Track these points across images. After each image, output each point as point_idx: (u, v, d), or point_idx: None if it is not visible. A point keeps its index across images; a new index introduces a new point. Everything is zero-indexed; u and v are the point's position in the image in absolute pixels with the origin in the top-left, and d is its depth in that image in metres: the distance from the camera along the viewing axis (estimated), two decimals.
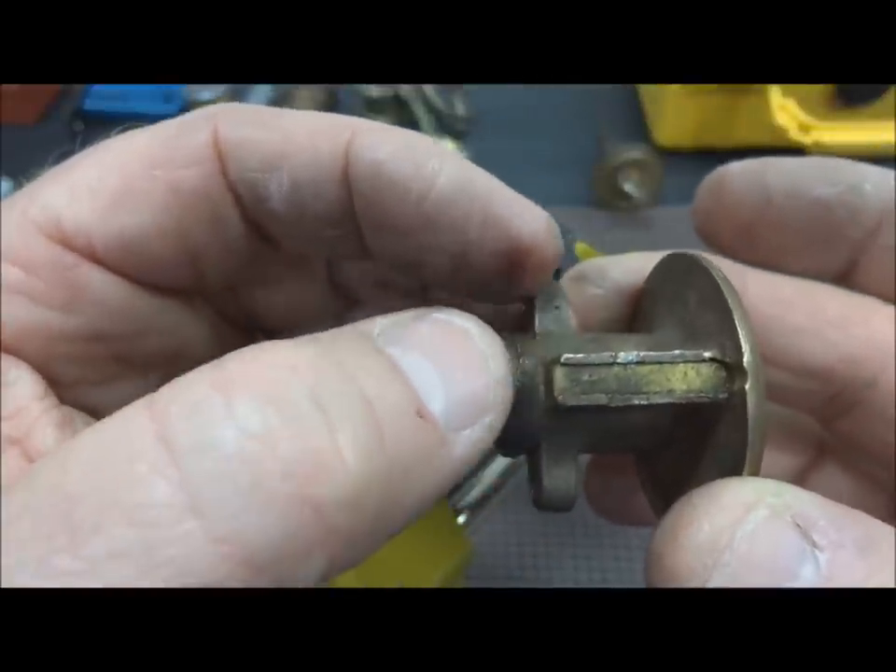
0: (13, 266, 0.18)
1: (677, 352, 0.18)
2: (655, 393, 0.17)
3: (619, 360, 0.18)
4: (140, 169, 0.18)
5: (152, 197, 0.18)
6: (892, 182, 0.20)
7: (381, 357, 0.14)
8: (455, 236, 0.17)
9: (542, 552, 0.52)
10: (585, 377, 0.18)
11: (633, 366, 0.18)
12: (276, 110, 0.18)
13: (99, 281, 0.18)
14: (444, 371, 0.14)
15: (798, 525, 0.14)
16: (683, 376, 0.18)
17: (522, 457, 0.43)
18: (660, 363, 0.18)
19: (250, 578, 0.11)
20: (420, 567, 0.32)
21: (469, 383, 0.15)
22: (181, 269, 0.19)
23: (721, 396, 0.17)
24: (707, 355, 0.18)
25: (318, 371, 0.13)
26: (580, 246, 0.43)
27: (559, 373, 0.18)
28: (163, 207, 0.18)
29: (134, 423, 0.12)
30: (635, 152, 0.76)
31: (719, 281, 0.18)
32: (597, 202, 0.79)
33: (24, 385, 0.18)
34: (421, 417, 0.14)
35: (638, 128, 0.88)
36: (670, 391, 0.18)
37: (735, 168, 0.22)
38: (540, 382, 0.18)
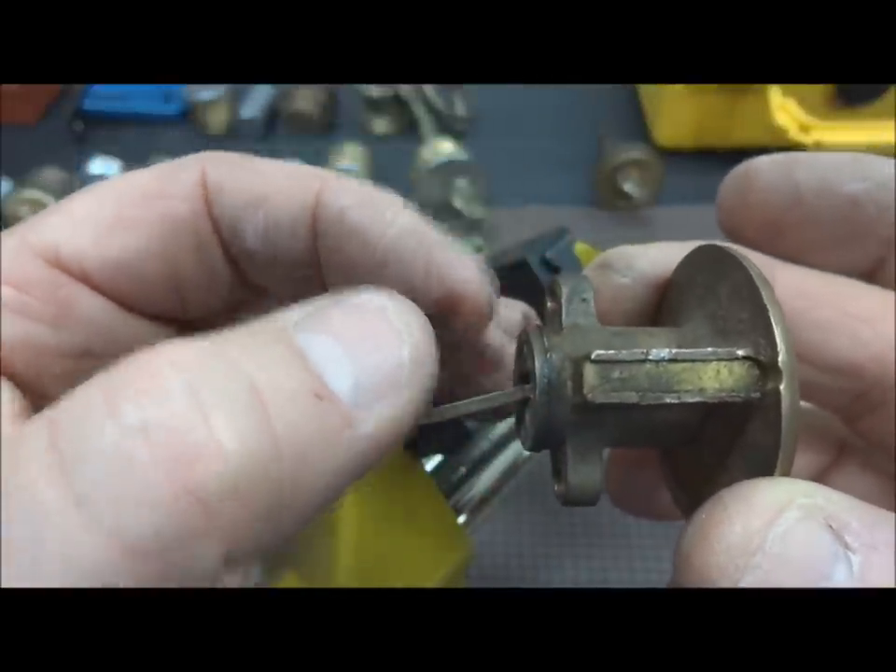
0: (6, 285, 0.19)
1: (709, 350, 0.17)
2: (686, 392, 0.17)
3: (651, 357, 0.17)
4: (134, 200, 0.20)
5: (144, 225, 0.19)
6: None
7: (281, 346, 0.14)
8: (402, 281, 0.18)
9: (542, 552, 0.52)
10: (616, 374, 0.17)
11: (664, 363, 0.17)
12: (256, 158, 0.21)
13: (89, 301, 0.19)
14: (352, 350, 0.15)
15: (830, 527, 0.14)
16: (716, 374, 0.17)
17: (522, 458, 0.43)
18: (692, 361, 0.17)
19: (139, 567, 0.12)
20: (420, 567, 0.32)
21: (378, 360, 0.15)
22: (167, 295, 0.20)
23: (753, 395, 0.17)
24: (740, 353, 0.17)
25: (199, 363, 0.13)
26: (580, 246, 0.43)
27: (589, 370, 0.17)
28: (153, 235, 0.19)
29: (33, 430, 0.13)
30: (635, 152, 0.76)
31: (753, 275, 0.17)
32: (597, 202, 0.79)
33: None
34: (320, 398, 0.14)
35: (638, 128, 0.88)
36: (702, 390, 0.17)
37: (763, 163, 0.22)
38: (568, 377, 0.18)
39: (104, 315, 0.20)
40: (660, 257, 0.22)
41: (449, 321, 0.19)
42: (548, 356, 0.18)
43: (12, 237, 0.19)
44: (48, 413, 0.13)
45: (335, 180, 0.20)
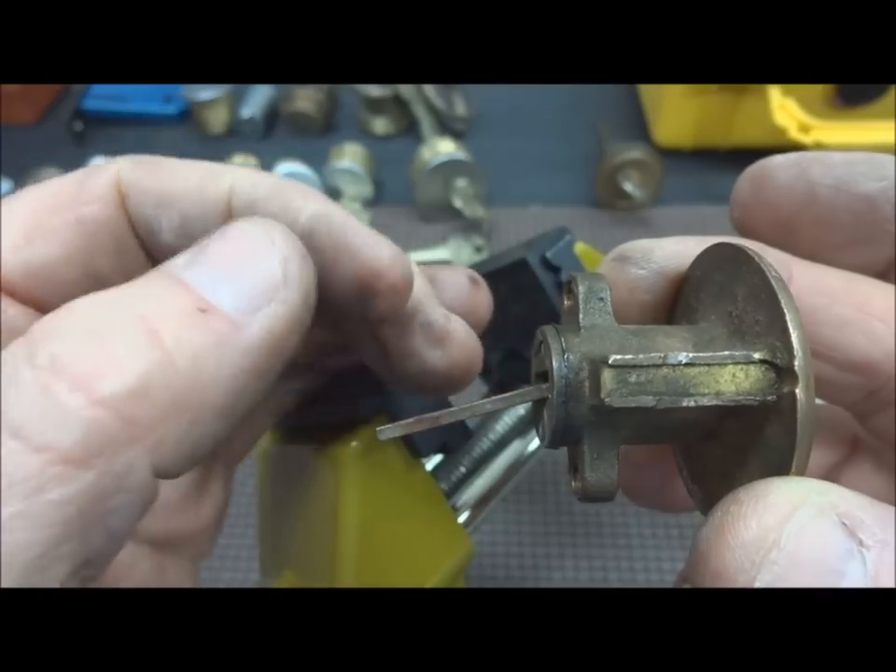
0: None
1: (726, 353, 0.17)
2: (703, 395, 0.17)
3: (668, 361, 0.17)
4: (50, 207, 0.20)
5: (61, 231, 0.20)
6: None
7: (165, 280, 0.16)
8: (318, 265, 0.19)
9: (542, 552, 0.52)
10: (633, 378, 0.17)
11: (681, 367, 0.17)
12: (170, 159, 0.21)
13: (12, 311, 0.20)
14: (228, 269, 0.17)
15: (844, 524, 0.14)
16: (732, 377, 0.17)
17: (522, 458, 0.43)
18: (708, 365, 0.17)
19: (74, 475, 0.13)
20: (420, 567, 0.32)
21: (252, 271, 0.17)
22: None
23: (769, 398, 0.17)
24: (756, 356, 0.17)
25: (92, 308, 0.16)
26: (580, 246, 0.43)
27: (606, 375, 0.17)
28: (72, 240, 0.20)
29: None
30: (635, 152, 0.76)
31: (771, 278, 0.17)
32: (597, 202, 0.79)
33: None
34: (203, 311, 0.16)
35: (638, 128, 0.88)
36: (718, 393, 0.17)
37: (778, 161, 0.22)
38: (585, 379, 0.18)
39: (25, 322, 0.20)
40: (677, 250, 0.22)
41: (371, 300, 0.21)
42: (565, 356, 0.18)
43: None
44: None
45: (246, 174, 0.21)
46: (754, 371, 0.17)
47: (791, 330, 0.17)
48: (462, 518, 0.40)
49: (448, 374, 0.24)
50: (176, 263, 0.17)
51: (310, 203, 0.20)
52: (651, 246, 0.22)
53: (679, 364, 0.17)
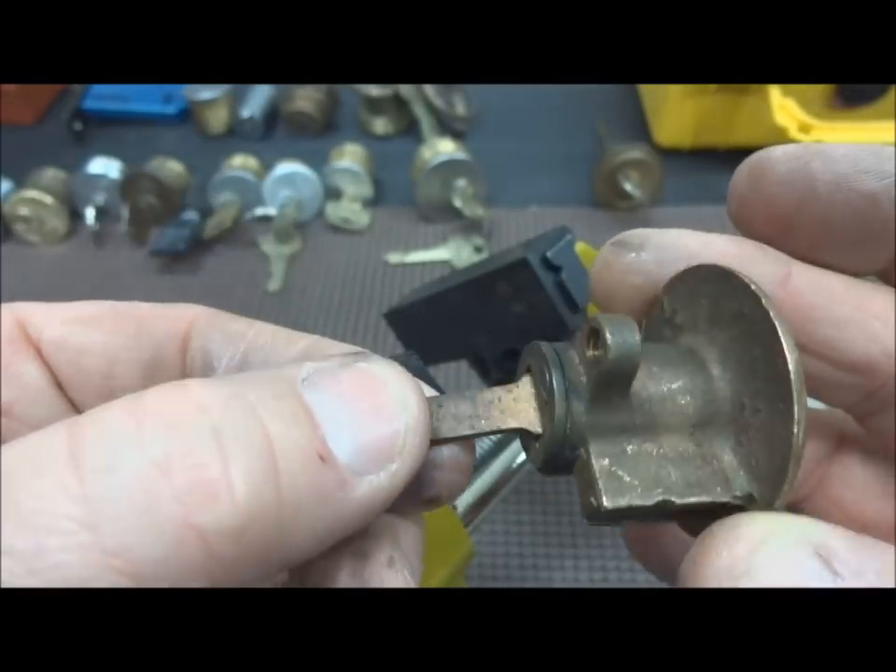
0: None
1: (723, 499, 0.18)
2: (692, 500, 0.18)
3: (664, 502, 0.17)
4: (12, 336, 0.19)
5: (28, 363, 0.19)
6: None
7: (293, 401, 0.15)
8: None
9: (542, 552, 0.52)
10: (624, 503, 0.17)
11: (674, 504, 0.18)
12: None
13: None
14: (356, 416, 0.15)
15: (819, 555, 0.14)
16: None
17: (521, 458, 0.43)
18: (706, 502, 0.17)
19: (127, 584, 0.12)
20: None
21: (377, 428, 0.15)
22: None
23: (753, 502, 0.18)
24: (752, 494, 0.17)
25: (224, 408, 0.14)
26: (580, 246, 0.43)
27: (602, 484, 0.17)
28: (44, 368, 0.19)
29: (52, 439, 0.13)
30: (635, 152, 0.76)
31: (791, 372, 0.17)
32: (597, 202, 0.79)
33: None
34: (322, 459, 0.14)
35: (638, 128, 0.88)
36: (709, 500, 0.18)
37: (778, 153, 0.21)
38: (577, 457, 0.18)
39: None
40: (675, 241, 0.21)
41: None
42: (567, 427, 0.17)
43: None
44: (70, 422, 0.13)
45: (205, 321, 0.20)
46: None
47: (788, 473, 0.16)
48: (462, 518, 0.39)
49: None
50: (297, 374, 0.15)
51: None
52: (649, 234, 0.22)
53: (675, 506, 0.17)
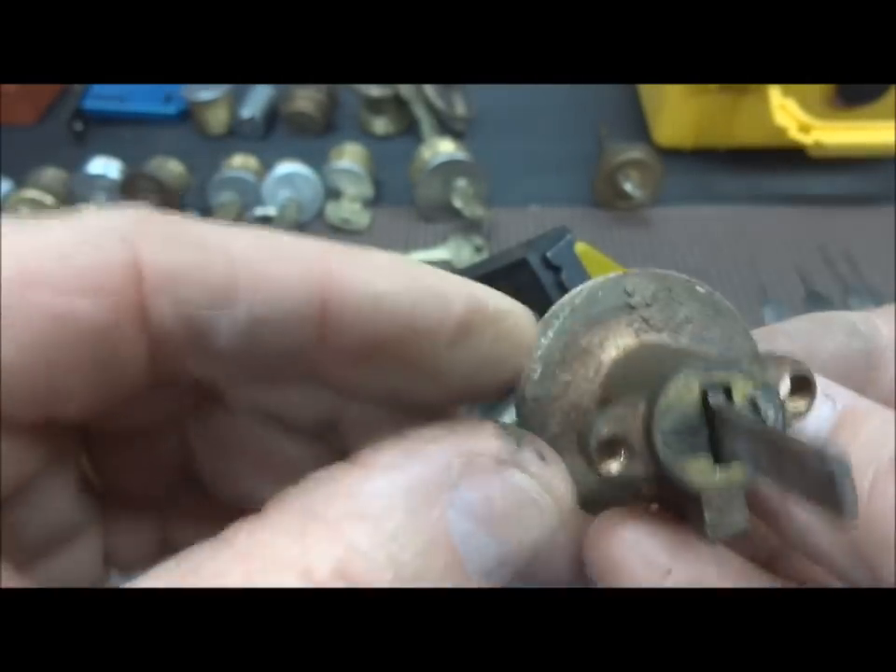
0: None
1: None
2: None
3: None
4: (12, 284, 0.13)
5: (24, 324, 0.14)
6: (876, 321, 0.20)
7: (440, 524, 0.14)
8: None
9: None
10: None
11: None
12: (211, 225, 0.15)
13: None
14: (499, 538, 0.15)
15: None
16: None
17: None
18: None
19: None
20: None
21: (514, 550, 0.15)
22: (41, 405, 0.15)
23: None
24: None
25: (396, 525, 0.14)
26: (580, 246, 0.43)
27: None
28: (37, 340, 0.14)
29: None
30: (635, 152, 0.76)
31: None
32: (597, 202, 0.79)
33: None
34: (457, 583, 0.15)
35: (638, 128, 0.88)
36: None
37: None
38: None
39: None
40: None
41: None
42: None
43: None
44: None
45: (347, 256, 0.15)
46: None
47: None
48: None
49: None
50: (444, 483, 0.15)
51: (459, 294, 0.15)
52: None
53: None
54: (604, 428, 0.15)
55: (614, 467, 0.16)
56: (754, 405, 0.15)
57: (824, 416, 0.16)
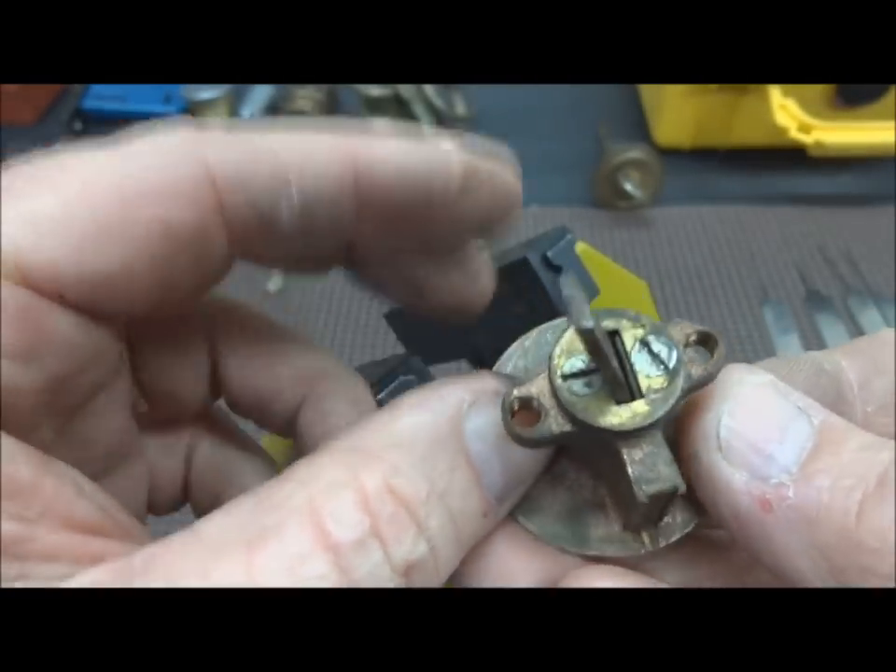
0: None
1: None
2: None
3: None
4: (113, 201, 0.16)
5: (130, 234, 0.16)
6: (839, 360, 0.20)
7: (459, 446, 0.17)
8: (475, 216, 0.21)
9: None
10: None
11: None
12: (261, 130, 0.18)
13: (64, 323, 0.17)
14: (505, 464, 0.18)
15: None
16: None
17: None
18: None
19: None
20: None
21: (519, 468, 0.18)
22: (150, 303, 0.18)
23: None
24: None
25: (426, 449, 0.17)
26: (580, 246, 0.43)
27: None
28: (144, 246, 0.16)
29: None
30: (635, 152, 0.76)
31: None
32: (597, 202, 0.79)
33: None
34: (485, 516, 0.17)
35: (638, 128, 0.88)
36: None
37: None
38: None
39: (78, 336, 0.17)
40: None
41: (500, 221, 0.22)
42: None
43: None
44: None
45: (369, 134, 0.18)
46: None
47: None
48: None
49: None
50: (460, 415, 0.18)
51: (458, 160, 0.19)
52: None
53: None
54: (513, 393, 0.17)
55: (529, 429, 0.17)
56: (646, 346, 0.16)
57: (803, 433, 0.16)
